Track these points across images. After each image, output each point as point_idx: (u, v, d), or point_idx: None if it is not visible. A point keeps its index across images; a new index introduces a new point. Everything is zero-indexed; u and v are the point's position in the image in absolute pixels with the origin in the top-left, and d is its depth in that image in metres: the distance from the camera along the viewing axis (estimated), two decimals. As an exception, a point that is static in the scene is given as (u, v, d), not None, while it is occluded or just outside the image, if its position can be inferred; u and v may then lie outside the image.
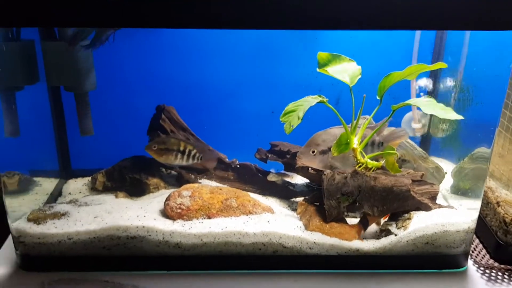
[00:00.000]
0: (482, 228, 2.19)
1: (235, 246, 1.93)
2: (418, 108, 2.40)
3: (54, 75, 2.14)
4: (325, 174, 1.97)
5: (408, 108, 2.44)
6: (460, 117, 1.74)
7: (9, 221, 1.93)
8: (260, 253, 1.95)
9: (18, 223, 1.92)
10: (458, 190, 2.23)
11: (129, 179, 2.30)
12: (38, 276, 1.91)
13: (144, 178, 2.29)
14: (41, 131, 2.33)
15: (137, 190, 2.28)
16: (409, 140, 2.25)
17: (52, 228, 1.91)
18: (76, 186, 2.40)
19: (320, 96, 1.85)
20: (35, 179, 2.38)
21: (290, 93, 2.00)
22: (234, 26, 1.56)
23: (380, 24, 1.58)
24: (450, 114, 1.75)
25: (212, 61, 2.35)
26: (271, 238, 1.93)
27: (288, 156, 2.25)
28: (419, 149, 2.25)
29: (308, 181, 2.33)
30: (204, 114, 2.41)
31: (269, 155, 2.30)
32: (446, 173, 2.25)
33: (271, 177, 2.28)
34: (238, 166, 2.34)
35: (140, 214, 1.98)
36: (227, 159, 2.35)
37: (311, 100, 1.82)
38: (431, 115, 2.42)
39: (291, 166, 2.25)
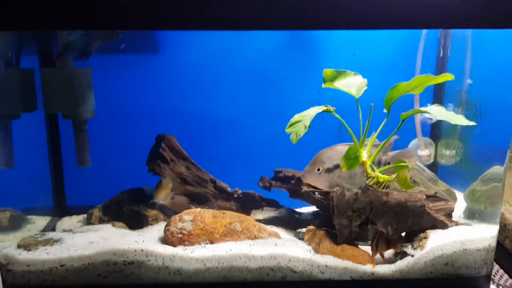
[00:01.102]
0: (502, 252, 2.06)
1: (240, 271, 1.79)
2: (423, 136, 2.36)
3: (52, 102, 2.09)
4: (334, 191, 1.87)
5: (413, 135, 2.39)
6: (471, 123, 1.69)
7: (-3, 248, 1.80)
8: (268, 279, 1.81)
9: (7, 250, 1.79)
10: (473, 214, 2.13)
11: (127, 212, 2.18)
12: (26, 310, 1.75)
13: (142, 210, 2.18)
14: (36, 162, 2.25)
15: (135, 222, 2.16)
16: (417, 163, 2.18)
17: (44, 255, 1.77)
18: (71, 223, 2.27)
19: (326, 106, 1.80)
20: (28, 216, 2.27)
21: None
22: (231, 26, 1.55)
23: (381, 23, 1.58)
24: (460, 120, 1.70)
25: (212, 90, 2.33)
26: (280, 261, 1.79)
27: (292, 182, 2.17)
28: (428, 171, 2.18)
29: (315, 209, 2.22)
30: (204, 143, 2.35)
31: (273, 183, 2.21)
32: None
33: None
34: (241, 195, 2.24)
35: (139, 240, 1.86)
36: (229, 189, 2.25)
37: (317, 110, 1.77)
38: (437, 143, 2.37)
39: (296, 192, 2.16)
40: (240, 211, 2.22)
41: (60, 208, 2.34)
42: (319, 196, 2.09)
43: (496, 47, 1.99)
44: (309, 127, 1.72)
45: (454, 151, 2.30)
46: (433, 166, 2.36)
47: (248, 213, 2.19)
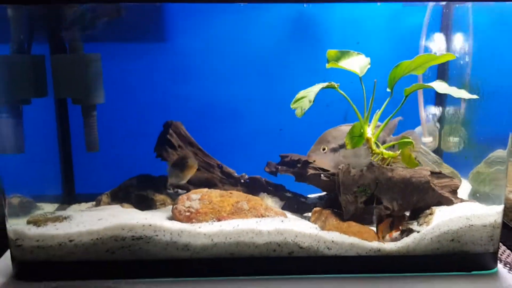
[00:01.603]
0: (507, 233, 2.07)
1: (247, 247, 1.81)
2: (427, 122, 2.39)
3: (62, 88, 2.14)
4: (340, 168, 1.89)
5: (417, 122, 2.42)
6: (474, 96, 1.72)
7: (7, 226, 1.82)
8: (275, 255, 1.82)
9: (16, 225, 1.81)
10: (478, 196, 2.14)
11: (135, 196, 2.21)
12: (34, 286, 1.76)
13: (150, 195, 2.20)
14: (46, 148, 2.29)
15: (143, 206, 2.18)
16: (422, 146, 2.20)
17: (53, 230, 1.79)
18: (79, 209, 2.29)
19: (330, 82, 1.84)
20: (37, 203, 2.29)
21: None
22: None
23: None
24: (463, 93, 1.73)
25: (219, 77, 2.37)
26: (286, 236, 1.81)
27: (298, 166, 2.19)
28: (432, 154, 2.20)
29: (321, 195, 2.24)
30: (211, 128, 2.38)
31: (279, 167, 2.23)
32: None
33: None
34: (248, 180, 2.26)
35: (147, 217, 1.88)
36: (235, 174, 2.28)
37: (321, 85, 1.80)
38: (441, 129, 2.39)
39: (302, 176, 2.17)
40: (247, 195, 2.24)
41: (69, 195, 2.37)
42: (325, 178, 2.11)
43: (499, 25, 2.03)
44: (313, 101, 1.75)
45: (457, 138, 2.33)
46: (437, 152, 2.38)
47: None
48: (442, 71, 2.30)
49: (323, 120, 2.19)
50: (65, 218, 1.87)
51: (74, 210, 2.18)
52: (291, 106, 1.81)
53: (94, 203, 2.28)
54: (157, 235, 1.79)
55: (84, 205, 2.34)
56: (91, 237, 1.78)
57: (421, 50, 2.25)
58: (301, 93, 1.82)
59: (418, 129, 2.41)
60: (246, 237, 1.80)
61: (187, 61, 2.35)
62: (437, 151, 2.38)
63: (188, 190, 2.23)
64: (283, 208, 2.17)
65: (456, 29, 2.18)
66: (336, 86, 1.81)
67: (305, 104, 1.75)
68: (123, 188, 2.24)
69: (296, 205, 2.20)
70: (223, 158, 2.28)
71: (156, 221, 1.81)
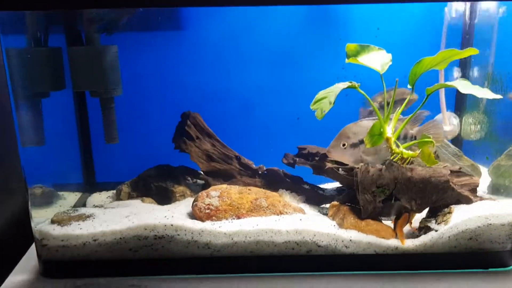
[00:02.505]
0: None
1: (267, 245, 1.84)
2: (448, 110, 2.35)
3: (80, 80, 2.13)
4: (358, 167, 1.89)
5: (437, 110, 2.39)
6: (498, 96, 1.69)
7: (32, 225, 1.87)
8: (294, 253, 1.85)
9: (41, 225, 1.86)
10: (497, 189, 2.13)
11: (155, 188, 2.24)
12: (60, 283, 1.82)
13: (170, 186, 2.23)
14: (66, 140, 2.32)
15: (163, 198, 2.21)
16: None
17: (77, 230, 1.84)
18: (101, 198, 2.34)
19: (350, 82, 1.81)
20: (59, 193, 2.34)
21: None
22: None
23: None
24: (487, 93, 1.69)
25: (237, 67, 2.34)
26: (305, 236, 1.83)
27: (316, 158, 2.19)
28: (452, 146, 2.18)
29: (337, 185, 2.25)
30: (229, 120, 2.38)
31: (297, 159, 2.23)
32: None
33: None
34: (266, 172, 2.27)
35: (168, 215, 1.91)
36: (253, 165, 2.29)
37: (342, 86, 1.78)
38: (463, 117, 2.35)
39: (320, 169, 2.18)
40: (265, 187, 2.25)
41: (89, 184, 2.41)
42: (343, 172, 2.12)
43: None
44: (334, 103, 1.73)
45: (479, 126, 2.29)
46: (458, 141, 2.36)
47: (274, 190, 2.22)
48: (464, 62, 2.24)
49: (342, 110, 2.17)
50: (88, 216, 1.91)
51: (96, 203, 2.22)
52: (311, 107, 1.79)
53: (114, 191, 2.32)
54: (178, 234, 1.82)
55: (104, 194, 2.38)
56: (115, 237, 1.82)
57: (443, 46, 2.19)
58: (321, 93, 1.80)
59: (438, 117, 2.38)
60: (265, 236, 1.83)
61: (204, 50, 2.32)
62: (457, 141, 2.35)
63: (206, 181, 2.26)
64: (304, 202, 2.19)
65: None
66: (357, 86, 1.78)
67: (326, 105, 1.73)
68: (143, 179, 2.27)
69: (314, 198, 2.21)
70: (241, 149, 2.29)
71: (177, 220, 1.84)
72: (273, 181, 2.25)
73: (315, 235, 1.84)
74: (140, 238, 1.82)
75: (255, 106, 2.38)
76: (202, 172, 2.27)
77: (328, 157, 2.14)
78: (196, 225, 1.84)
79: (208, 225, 1.85)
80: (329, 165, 2.13)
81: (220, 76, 2.35)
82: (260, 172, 2.28)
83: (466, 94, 2.30)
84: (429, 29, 2.36)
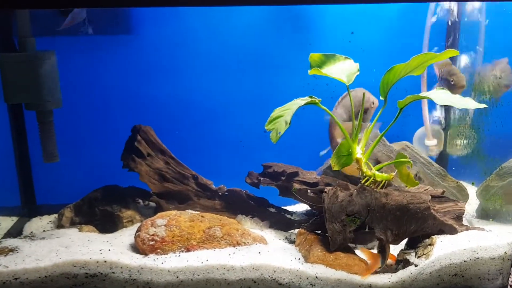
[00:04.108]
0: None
1: (218, 284, 1.57)
2: (434, 122, 2.11)
3: (12, 91, 1.87)
4: (325, 192, 1.64)
5: (420, 123, 2.14)
6: (481, 105, 1.45)
7: None
8: (250, 293, 1.59)
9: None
10: (487, 213, 1.88)
11: (100, 212, 1.98)
12: (-22, 328, 1.55)
13: (116, 211, 1.97)
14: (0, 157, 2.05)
15: (108, 224, 1.96)
16: (424, 156, 1.93)
17: (-3, 266, 1.57)
18: (41, 224, 2.08)
19: (311, 97, 1.56)
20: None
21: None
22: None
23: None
24: (468, 103, 1.45)
25: (195, 75, 2.09)
26: (263, 272, 1.57)
27: (283, 178, 1.93)
28: (436, 165, 1.93)
29: (308, 208, 2.00)
30: (186, 135, 2.12)
31: (262, 179, 1.98)
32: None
33: None
34: (226, 193, 2.02)
35: (105, 248, 1.65)
36: (213, 186, 2.03)
37: (300, 102, 1.53)
38: (447, 131, 2.11)
39: (287, 189, 1.92)
40: (225, 210, 2.00)
41: (28, 207, 2.14)
42: (311, 194, 1.86)
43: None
44: (290, 123, 1.48)
45: (465, 141, 2.05)
46: (442, 158, 2.11)
47: (234, 214, 1.96)
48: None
49: (312, 121, 1.93)
50: (11, 250, 1.64)
51: (35, 229, 1.95)
52: (266, 128, 1.54)
53: (56, 216, 2.06)
54: (113, 272, 1.56)
55: (46, 218, 2.12)
56: (39, 275, 1.55)
57: (425, 48, 1.95)
58: (277, 111, 1.55)
59: (420, 131, 2.13)
60: (217, 273, 1.57)
61: (158, 57, 2.06)
62: (441, 157, 2.10)
63: (158, 204, 2.00)
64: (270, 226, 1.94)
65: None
66: (318, 102, 1.53)
67: (281, 126, 1.48)
68: (87, 202, 2.01)
69: (281, 222, 1.96)
70: (199, 167, 2.03)
71: (111, 256, 1.57)
72: (234, 204, 2.00)
73: (275, 272, 1.58)
74: (68, 276, 1.55)
75: (216, 118, 2.12)
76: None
77: (295, 176, 1.89)
78: (135, 261, 1.58)
79: (148, 261, 1.58)
80: (296, 185, 1.88)
81: (177, 85, 2.09)
82: (220, 193, 2.03)
83: (453, 109, 2.08)
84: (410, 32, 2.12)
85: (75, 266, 1.55)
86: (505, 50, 1.74)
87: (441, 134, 2.11)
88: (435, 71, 1.99)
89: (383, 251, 1.61)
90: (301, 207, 2.07)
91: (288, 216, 1.99)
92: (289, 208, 2.06)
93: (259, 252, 1.66)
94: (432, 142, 2.10)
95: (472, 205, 1.97)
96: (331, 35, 2.10)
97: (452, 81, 1.87)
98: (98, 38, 1.98)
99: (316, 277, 1.58)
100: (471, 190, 2.00)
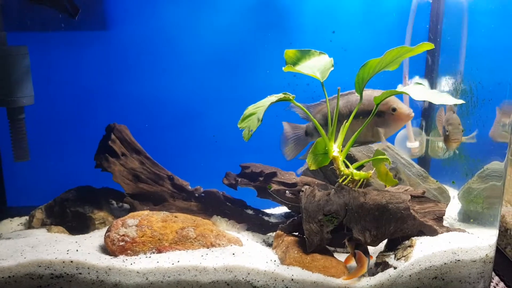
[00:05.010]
0: (502, 261, 1.78)
1: (190, 286, 1.51)
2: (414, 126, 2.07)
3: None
4: (303, 190, 1.59)
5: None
6: (459, 101, 1.41)
7: None
8: (224, 296, 1.52)
9: None
10: (468, 216, 1.84)
11: (71, 213, 1.91)
12: None
13: (88, 212, 1.90)
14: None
15: (80, 226, 1.89)
16: (405, 157, 1.89)
17: (-43, 266, 1.49)
18: (11, 226, 2.00)
19: (285, 93, 1.52)
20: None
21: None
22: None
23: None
24: (446, 98, 1.41)
25: (173, 73, 2.04)
26: (237, 274, 1.51)
27: (261, 179, 1.88)
28: (417, 166, 1.89)
29: (287, 210, 1.94)
30: (162, 134, 2.06)
31: (239, 180, 1.92)
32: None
33: None
34: (203, 194, 1.96)
35: (72, 249, 1.58)
36: (189, 187, 1.97)
37: (273, 99, 1.48)
38: (428, 134, 2.07)
39: (265, 191, 1.87)
40: (201, 212, 1.93)
41: (-1, 209, 2.07)
42: (290, 194, 1.81)
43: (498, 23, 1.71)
44: (262, 120, 1.44)
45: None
46: (424, 161, 2.07)
47: (211, 215, 1.90)
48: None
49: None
50: (-26, 250, 1.56)
51: (4, 231, 1.87)
52: (239, 126, 1.50)
53: (28, 217, 1.98)
54: (80, 273, 1.49)
55: (17, 220, 2.04)
56: (2, 275, 1.48)
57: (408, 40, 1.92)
58: (250, 109, 1.51)
59: (402, 133, 2.09)
60: (188, 275, 1.51)
61: (133, 53, 2.01)
62: (423, 160, 2.06)
63: (132, 205, 1.93)
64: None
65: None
66: (292, 98, 1.49)
67: (253, 123, 1.44)
68: (59, 203, 1.94)
69: (259, 225, 1.90)
70: (175, 168, 1.97)
71: (78, 256, 1.50)
72: (211, 205, 1.94)
73: (249, 274, 1.51)
74: (33, 277, 1.48)
75: (193, 117, 2.06)
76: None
77: (273, 177, 1.84)
78: (102, 261, 1.51)
79: (117, 262, 1.52)
80: (274, 186, 1.82)
81: (153, 83, 2.03)
82: (196, 194, 1.97)
83: (433, 106, 2.04)
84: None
85: (40, 266, 1.48)
86: (489, 33, 1.70)
87: (423, 136, 2.07)
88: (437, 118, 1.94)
89: (366, 253, 1.55)
90: (280, 210, 2.02)
91: (266, 218, 1.93)
92: (268, 211, 2.00)
93: (233, 254, 1.60)
94: (414, 144, 2.07)
95: (453, 208, 1.92)
96: (312, 34, 2.06)
97: (447, 131, 1.77)
98: (73, 34, 1.92)
99: (292, 279, 1.52)
100: (453, 193, 1.96)
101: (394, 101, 1.70)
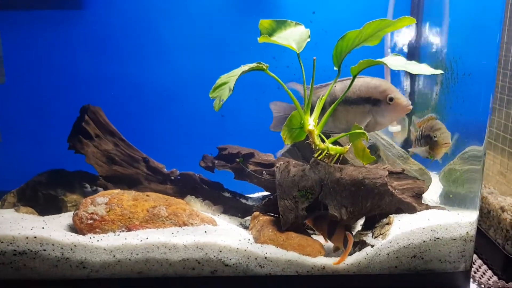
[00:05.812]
0: (485, 244, 1.73)
1: (159, 264, 1.45)
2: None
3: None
4: (277, 166, 1.54)
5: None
6: (437, 71, 1.37)
7: None
8: (194, 274, 1.47)
9: None
10: (450, 198, 1.79)
11: (43, 196, 1.85)
12: None
13: (60, 195, 1.85)
14: None
15: (51, 208, 1.83)
16: (385, 137, 1.84)
17: None
18: (-19, 210, 1.93)
19: (259, 63, 1.47)
20: None
21: (242, 91, 1.61)
22: None
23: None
24: (423, 69, 1.37)
25: (148, 53, 1.99)
26: (208, 252, 1.46)
27: (237, 160, 1.83)
28: (397, 147, 1.84)
29: (266, 193, 1.89)
30: (137, 115, 2.01)
31: (216, 162, 1.87)
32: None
33: None
34: (179, 177, 1.90)
35: (38, 226, 1.52)
36: (165, 169, 1.91)
37: (245, 68, 1.44)
38: (410, 118, 2.03)
39: (242, 172, 1.82)
40: (177, 195, 1.88)
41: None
42: (266, 175, 1.76)
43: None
44: (233, 89, 1.39)
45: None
46: (406, 145, 2.03)
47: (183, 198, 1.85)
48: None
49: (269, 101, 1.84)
50: None
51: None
52: (210, 95, 1.45)
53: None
54: (44, 250, 1.43)
55: (-12, 205, 1.98)
56: (-38, 252, 1.42)
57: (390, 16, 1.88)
58: (223, 78, 1.46)
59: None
60: (157, 252, 1.45)
61: (109, 33, 1.96)
62: (405, 144, 2.02)
63: (105, 188, 1.88)
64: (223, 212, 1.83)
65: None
66: (265, 68, 1.44)
67: (224, 93, 1.39)
68: (31, 186, 1.88)
69: (236, 208, 1.85)
70: (150, 150, 1.91)
71: (42, 232, 1.45)
72: (187, 188, 1.88)
73: (221, 251, 1.46)
74: (-5, 254, 1.42)
75: (170, 99, 2.01)
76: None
77: (251, 158, 1.79)
78: (68, 238, 1.45)
79: (83, 239, 1.46)
80: (251, 167, 1.78)
81: (128, 64, 1.98)
82: (172, 177, 1.91)
83: (416, 90, 2.00)
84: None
85: (2, 242, 1.43)
86: (469, 20, 1.66)
87: (405, 120, 2.03)
88: (412, 132, 1.89)
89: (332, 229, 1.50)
90: (259, 194, 1.96)
91: (244, 201, 1.88)
92: (248, 195, 1.95)
93: (205, 232, 1.54)
94: (396, 128, 2.02)
95: (435, 192, 1.87)
96: (292, 15, 2.02)
97: (435, 136, 1.70)
98: (45, 13, 1.88)
99: (266, 257, 1.46)
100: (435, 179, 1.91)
101: (392, 90, 1.63)
